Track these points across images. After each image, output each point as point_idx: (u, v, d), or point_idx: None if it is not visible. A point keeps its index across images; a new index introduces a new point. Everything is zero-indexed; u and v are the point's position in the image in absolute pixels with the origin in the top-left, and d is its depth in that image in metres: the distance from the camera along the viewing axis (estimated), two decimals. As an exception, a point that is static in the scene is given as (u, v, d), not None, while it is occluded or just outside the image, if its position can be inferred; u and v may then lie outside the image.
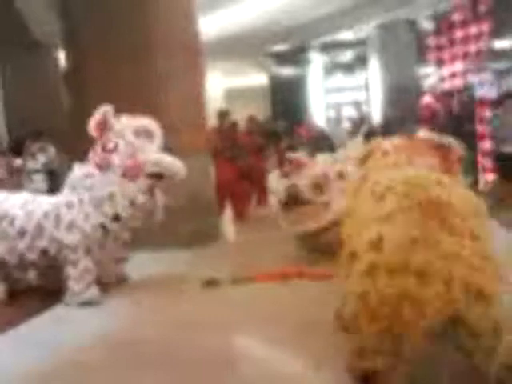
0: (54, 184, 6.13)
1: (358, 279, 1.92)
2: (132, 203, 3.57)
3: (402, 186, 2.07)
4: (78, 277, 3.54)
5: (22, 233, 3.64)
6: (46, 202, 3.78)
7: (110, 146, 3.62)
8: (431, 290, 1.77)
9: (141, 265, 4.49)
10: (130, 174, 3.57)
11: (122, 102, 5.07)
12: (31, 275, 3.69)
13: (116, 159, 3.61)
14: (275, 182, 4.68)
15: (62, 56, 9.15)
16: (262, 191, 7.71)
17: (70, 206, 3.63)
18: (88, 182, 3.62)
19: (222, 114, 7.33)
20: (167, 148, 3.80)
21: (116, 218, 3.58)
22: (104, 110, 3.70)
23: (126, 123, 3.69)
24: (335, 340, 2.42)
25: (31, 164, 6.63)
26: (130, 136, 3.64)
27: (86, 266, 3.56)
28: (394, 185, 2.10)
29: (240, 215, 7.01)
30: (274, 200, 4.77)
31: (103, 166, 3.61)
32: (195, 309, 3.45)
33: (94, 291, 3.60)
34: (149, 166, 3.61)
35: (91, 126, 3.68)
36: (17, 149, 7.11)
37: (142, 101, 5.19)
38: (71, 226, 3.58)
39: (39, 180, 6.45)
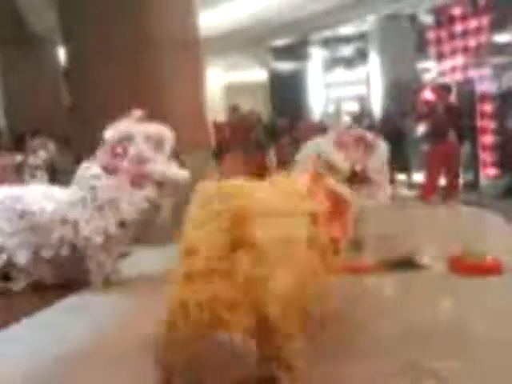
0: (55, 180, 6.14)
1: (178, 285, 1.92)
2: (138, 210, 3.59)
3: (218, 195, 2.10)
4: (93, 270, 3.63)
5: (34, 228, 3.67)
6: (56, 199, 3.79)
7: (119, 150, 3.60)
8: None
9: (141, 261, 4.49)
10: (137, 181, 3.56)
11: (122, 98, 5.10)
12: (47, 269, 3.72)
13: (124, 164, 3.59)
14: (334, 156, 4.24)
15: (61, 52, 9.15)
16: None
17: (73, 205, 3.65)
18: (93, 182, 3.61)
19: (234, 109, 7.37)
20: (176, 154, 3.80)
21: (121, 224, 3.61)
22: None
23: (138, 129, 3.66)
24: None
25: (32, 160, 6.63)
26: (141, 143, 3.61)
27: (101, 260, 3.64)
28: (213, 194, 2.13)
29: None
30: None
31: (110, 170, 3.59)
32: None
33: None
34: (155, 176, 3.60)
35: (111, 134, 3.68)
36: (17, 145, 7.12)
37: (142, 97, 5.19)
38: (75, 226, 3.62)
39: (40, 176, 6.45)
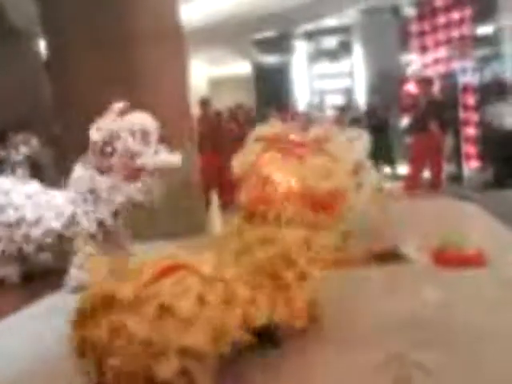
0: (37, 176, 6.10)
1: None
2: (132, 202, 3.65)
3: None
4: (77, 263, 3.64)
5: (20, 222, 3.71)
6: (52, 196, 3.86)
7: (108, 149, 3.65)
8: None
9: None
10: (131, 177, 3.62)
11: (106, 91, 5.06)
12: (46, 257, 3.76)
13: (115, 162, 3.65)
14: None
15: (43, 46, 9.05)
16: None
17: (73, 201, 3.72)
18: (91, 184, 3.67)
19: (204, 102, 7.31)
20: (163, 139, 3.81)
21: (115, 214, 3.67)
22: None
23: (121, 124, 3.63)
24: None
25: (14, 155, 6.59)
26: (127, 138, 3.67)
27: (87, 252, 3.67)
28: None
29: (226, 205, 7.02)
30: None
31: (104, 170, 3.65)
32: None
33: (83, 276, 3.65)
34: (148, 168, 3.66)
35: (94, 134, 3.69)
36: (-1, 140, 7.08)
37: (126, 90, 5.16)
38: (72, 220, 3.68)
39: (21, 172, 6.41)
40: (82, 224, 3.70)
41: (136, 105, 4.57)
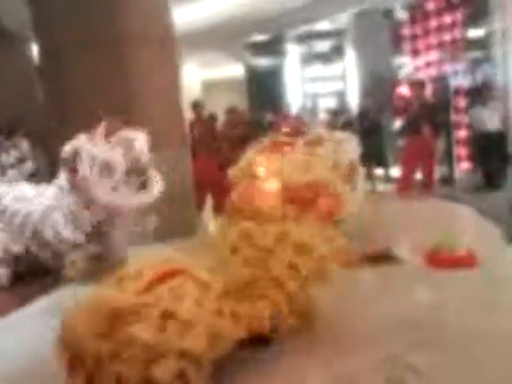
0: (29, 179, 6.09)
1: None
2: (83, 230, 3.55)
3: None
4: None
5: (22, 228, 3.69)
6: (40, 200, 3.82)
7: (73, 168, 3.50)
8: None
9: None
10: (85, 203, 3.48)
11: (98, 95, 5.05)
12: (45, 257, 3.73)
13: (76, 183, 3.52)
14: None
15: (35, 49, 9.03)
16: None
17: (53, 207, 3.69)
18: (63, 193, 3.61)
19: (196, 106, 7.29)
20: (142, 172, 3.62)
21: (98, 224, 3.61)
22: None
23: (86, 149, 3.42)
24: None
25: (4, 159, 6.58)
26: (86, 165, 3.39)
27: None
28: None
29: (220, 208, 7.00)
30: None
31: (70, 185, 3.56)
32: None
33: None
34: (97, 202, 3.41)
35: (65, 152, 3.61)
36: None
37: (118, 94, 5.15)
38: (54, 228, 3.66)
39: (12, 175, 6.40)
40: (65, 233, 3.55)
41: (129, 107, 4.58)
